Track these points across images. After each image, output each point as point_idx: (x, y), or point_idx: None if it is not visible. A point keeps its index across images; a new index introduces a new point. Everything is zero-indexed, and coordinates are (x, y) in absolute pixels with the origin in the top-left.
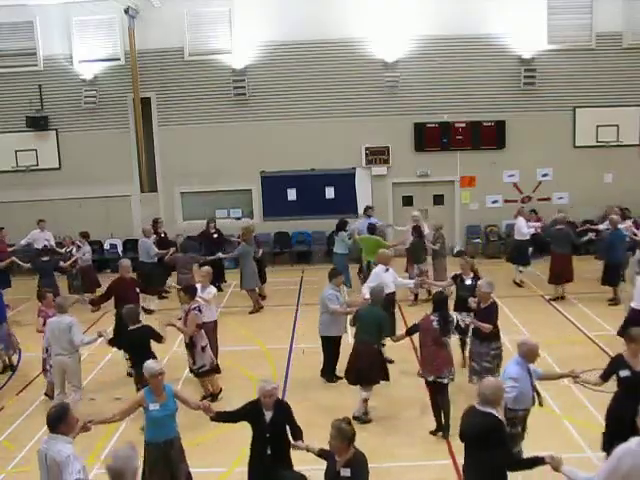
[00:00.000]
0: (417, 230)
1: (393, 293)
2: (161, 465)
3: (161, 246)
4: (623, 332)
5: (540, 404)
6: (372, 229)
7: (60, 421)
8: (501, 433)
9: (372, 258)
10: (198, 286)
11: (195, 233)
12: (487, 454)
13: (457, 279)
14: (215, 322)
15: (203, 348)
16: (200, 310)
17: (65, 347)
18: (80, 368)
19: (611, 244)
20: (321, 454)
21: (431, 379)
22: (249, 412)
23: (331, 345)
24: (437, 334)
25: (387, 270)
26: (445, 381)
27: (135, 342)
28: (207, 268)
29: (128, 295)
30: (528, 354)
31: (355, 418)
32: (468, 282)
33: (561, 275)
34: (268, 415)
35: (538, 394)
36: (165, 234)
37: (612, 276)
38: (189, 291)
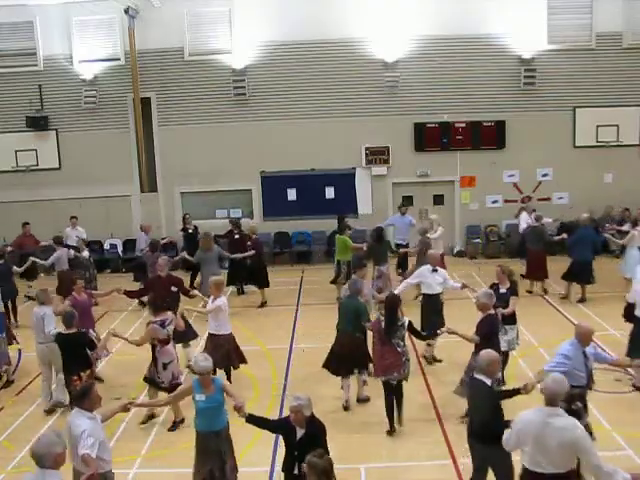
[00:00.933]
0: (377, 232)
1: (438, 294)
2: (210, 453)
3: (189, 242)
4: None
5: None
6: (379, 232)
7: (84, 397)
8: (489, 399)
9: (340, 257)
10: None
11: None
12: (481, 416)
13: (493, 287)
14: (227, 336)
15: (165, 365)
16: (164, 324)
17: (42, 336)
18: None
19: None
20: None
21: (382, 379)
22: (280, 427)
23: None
24: (382, 335)
25: (435, 271)
26: (394, 382)
27: (66, 346)
28: (216, 278)
29: (163, 293)
30: (581, 337)
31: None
32: (502, 291)
33: (536, 272)
34: (300, 433)
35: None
36: (195, 228)
37: None
38: (152, 305)
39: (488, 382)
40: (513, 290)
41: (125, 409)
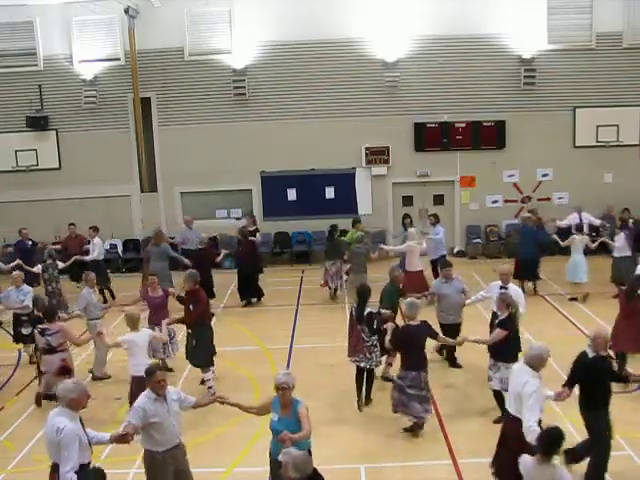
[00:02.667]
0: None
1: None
2: None
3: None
4: None
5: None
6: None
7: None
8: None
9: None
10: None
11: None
12: None
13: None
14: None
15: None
16: (44, 333)
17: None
18: None
19: None
20: None
21: (351, 360)
22: None
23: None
24: (352, 321)
25: (504, 288)
26: (361, 364)
27: None
28: (129, 312)
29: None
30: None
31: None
32: (501, 318)
33: (525, 272)
34: None
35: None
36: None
37: None
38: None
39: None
40: (502, 322)
41: (221, 401)
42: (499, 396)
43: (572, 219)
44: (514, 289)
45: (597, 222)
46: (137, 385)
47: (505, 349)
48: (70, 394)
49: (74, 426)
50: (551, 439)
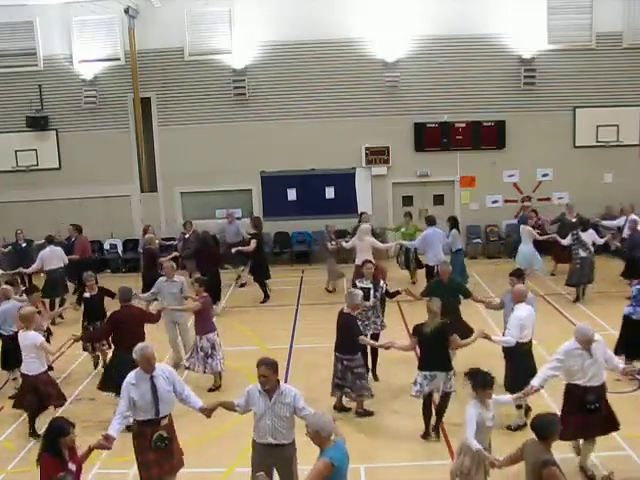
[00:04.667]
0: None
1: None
2: None
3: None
4: None
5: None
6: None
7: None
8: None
9: None
10: None
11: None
12: None
13: None
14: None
15: None
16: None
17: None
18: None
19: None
20: None
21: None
22: None
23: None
24: None
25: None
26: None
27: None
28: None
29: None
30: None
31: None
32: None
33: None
34: None
35: None
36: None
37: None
38: None
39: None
40: (413, 328)
41: None
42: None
43: (620, 221)
44: (525, 312)
45: (601, 241)
46: (23, 381)
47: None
48: (134, 354)
49: (134, 382)
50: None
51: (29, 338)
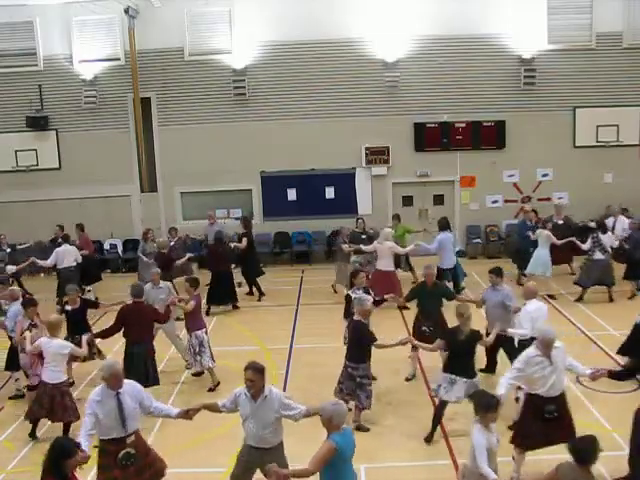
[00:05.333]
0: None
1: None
2: None
3: None
4: None
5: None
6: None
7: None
8: None
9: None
10: None
11: (195, 233)
12: None
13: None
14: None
15: None
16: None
17: None
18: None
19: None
20: None
21: None
22: None
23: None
24: None
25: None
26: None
27: None
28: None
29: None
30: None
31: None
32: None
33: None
34: None
35: None
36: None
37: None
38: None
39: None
40: (443, 331)
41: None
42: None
43: (608, 223)
44: (535, 306)
45: (616, 244)
46: (38, 390)
47: (447, 361)
48: (102, 371)
49: (99, 399)
50: (483, 404)
51: (55, 346)
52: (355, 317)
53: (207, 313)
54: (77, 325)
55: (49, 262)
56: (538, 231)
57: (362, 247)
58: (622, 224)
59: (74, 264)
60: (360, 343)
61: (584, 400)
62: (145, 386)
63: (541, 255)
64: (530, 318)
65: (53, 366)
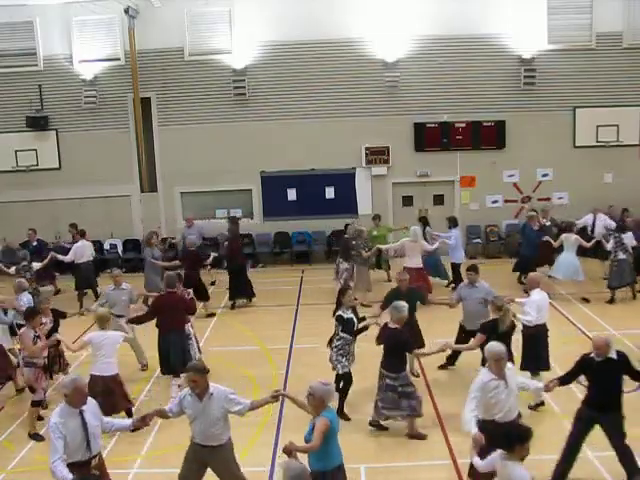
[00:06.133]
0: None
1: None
2: None
3: None
4: None
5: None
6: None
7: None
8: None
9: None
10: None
11: (195, 233)
12: None
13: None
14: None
15: None
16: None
17: None
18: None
19: None
20: None
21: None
22: None
23: None
24: None
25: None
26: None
27: None
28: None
29: None
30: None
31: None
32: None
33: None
34: None
35: None
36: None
37: None
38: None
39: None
40: (485, 327)
41: (275, 399)
42: None
43: (586, 220)
44: (540, 295)
45: (613, 224)
46: (91, 383)
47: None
48: (63, 389)
49: (62, 420)
50: (516, 436)
51: (111, 337)
52: (391, 325)
53: (232, 307)
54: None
55: (69, 257)
56: (564, 236)
57: (389, 246)
58: (603, 221)
59: (91, 258)
60: (399, 351)
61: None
62: (184, 371)
63: (571, 260)
64: (536, 307)
65: (107, 358)
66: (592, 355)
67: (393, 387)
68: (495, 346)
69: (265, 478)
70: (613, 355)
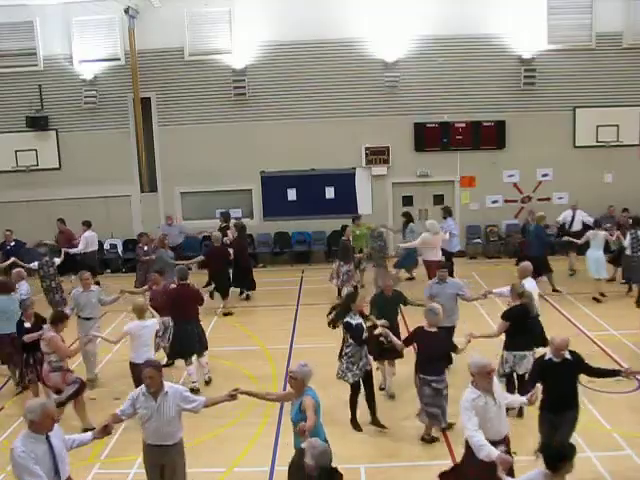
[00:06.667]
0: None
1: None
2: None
3: None
4: None
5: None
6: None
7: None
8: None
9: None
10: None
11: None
12: None
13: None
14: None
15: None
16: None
17: None
18: None
19: None
20: None
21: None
22: None
23: None
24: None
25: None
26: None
27: None
28: (136, 302)
29: None
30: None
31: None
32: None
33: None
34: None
35: None
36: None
37: None
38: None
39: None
40: (509, 313)
41: (233, 398)
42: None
43: (566, 216)
44: (531, 284)
45: (591, 220)
46: (134, 372)
47: (510, 339)
48: (30, 415)
49: (26, 448)
50: (561, 455)
51: (150, 326)
52: (428, 329)
53: (241, 294)
54: (32, 342)
55: (81, 247)
56: (591, 232)
57: (409, 245)
58: (581, 217)
59: (96, 248)
60: (446, 353)
61: (584, 400)
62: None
63: (600, 257)
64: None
65: (147, 346)
66: (549, 357)
67: (439, 390)
68: (480, 359)
69: (265, 478)
70: (568, 355)
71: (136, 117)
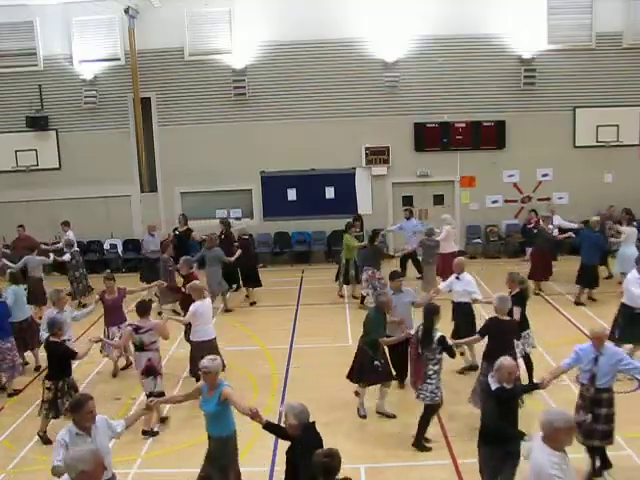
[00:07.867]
0: (372, 237)
1: (466, 303)
2: (208, 458)
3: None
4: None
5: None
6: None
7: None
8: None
9: (347, 256)
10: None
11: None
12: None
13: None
14: (207, 342)
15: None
16: (137, 330)
17: None
18: None
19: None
20: None
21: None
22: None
23: None
24: (416, 345)
25: (457, 278)
26: (420, 397)
27: (49, 353)
28: (192, 283)
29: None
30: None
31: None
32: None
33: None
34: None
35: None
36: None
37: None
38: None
39: (492, 386)
40: (517, 298)
41: (148, 409)
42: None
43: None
44: (466, 280)
45: (569, 225)
46: (196, 350)
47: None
48: (81, 465)
49: None
50: None
51: (207, 305)
52: (502, 317)
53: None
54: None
55: (73, 249)
56: (629, 229)
57: (439, 238)
58: (557, 221)
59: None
60: (511, 340)
61: None
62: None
63: (628, 254)
64: (474, 284)
65: (206, 324)
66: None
67: None
68: (562, 413)
69: (265, 478)
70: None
71: (136, 117)
